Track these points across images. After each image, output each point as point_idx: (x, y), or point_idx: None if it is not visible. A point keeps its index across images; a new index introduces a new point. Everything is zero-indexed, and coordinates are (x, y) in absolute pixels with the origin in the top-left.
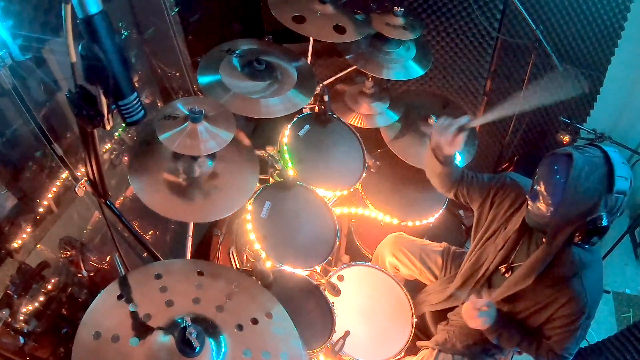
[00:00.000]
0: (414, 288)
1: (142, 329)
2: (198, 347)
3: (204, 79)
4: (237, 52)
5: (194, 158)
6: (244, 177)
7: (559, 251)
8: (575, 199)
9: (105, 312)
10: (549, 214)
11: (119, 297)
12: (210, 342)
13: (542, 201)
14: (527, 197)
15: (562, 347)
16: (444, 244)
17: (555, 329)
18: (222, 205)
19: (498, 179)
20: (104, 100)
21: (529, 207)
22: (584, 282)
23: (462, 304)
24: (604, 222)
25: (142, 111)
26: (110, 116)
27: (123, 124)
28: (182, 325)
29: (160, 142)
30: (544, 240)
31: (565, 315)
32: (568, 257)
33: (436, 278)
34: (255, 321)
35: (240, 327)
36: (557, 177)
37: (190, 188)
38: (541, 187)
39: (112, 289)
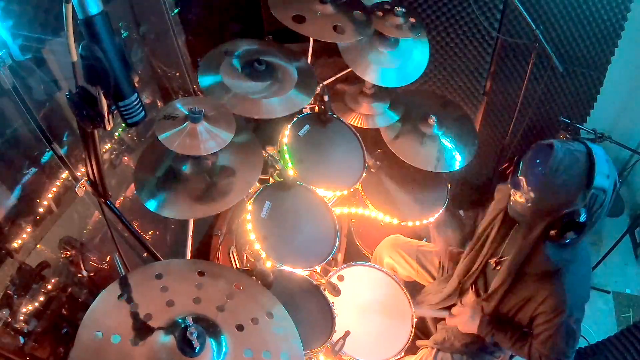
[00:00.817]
0: (413, 288)
1: (142, 328)
2: (199, 347)
3: (204, 80)
4: (236, 53)
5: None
6: (248, 163)
7: (538, 245)
8: (552, 190)
9: (105, 312)
10: (528, 205)
11: (120, 297)
12: (210, 342)
13: (522, 190)
14: (509, 186)
15: (549, 347)
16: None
17: (539, 326)
18: (236, 190)
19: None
20: (104, 101)
21: (511, 197)
22: (563, 280)
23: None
24: (582, 218)
25: (143, 112)
26: (110, 117)
27: (123, 124)
28: (183, 325)
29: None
30: None
31: (545, 312)
32: (548, 253)
33: (434, 278)
34: (256, 321)
35: (240, 327)
36: (537, 166)
37: (207, 185)
38: (522, 176)
39: (113, 289)
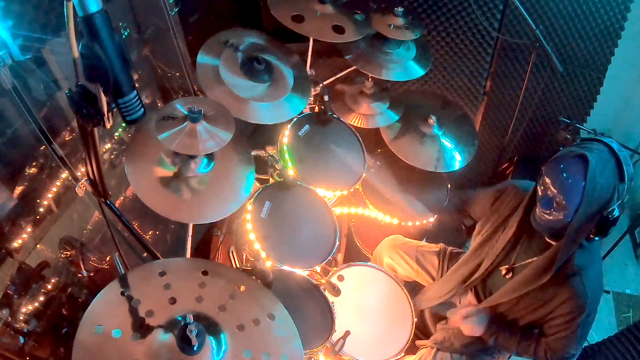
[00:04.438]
0: (412, 288)
1: (143, 325)
2: (198, 346)
3: (203, 59)
4: (241, 47)
5: (191, 157)
6: (239, 179)
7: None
8: (594, 198)
9: (107, 308)
10: (568, 219)
11: (122, 294)
12: (210, 341)
13: (557, 207)
14: (537, 204)
15: (561, 346)
16: (441, 244)
17: (555, 327)
18: (215, 207)
19: (502, 186)
20: (103, 99)
21: (540, 215)
22: (584, 280)
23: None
24: (616, 212)
25: (142, 109)
26: (110, 115)
27: (123, 124)
28: (183, 323)
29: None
30: (547, 240)
31: (565, 313)
32: (574, 256)
33: (433, 279)
34: (257, 322)
35: (241, 327)
36: (573, 180)
37: (184, 185)
38: (555, 193)
39: (116, 285)
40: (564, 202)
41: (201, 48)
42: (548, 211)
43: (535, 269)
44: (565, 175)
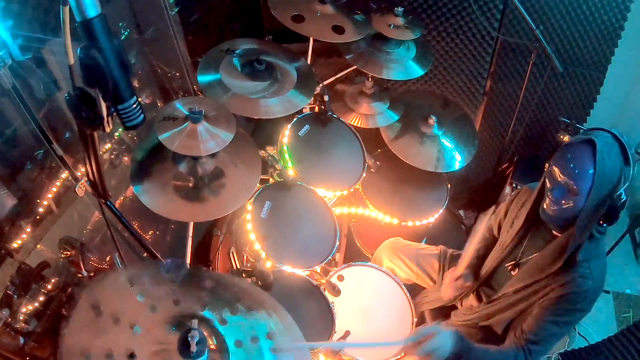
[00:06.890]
0: (412, 291)
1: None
2: (196, 351)
3: (204, 78)
4: (237, 52)
5: (195, 158)
6: (247, 171)
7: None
8: (603, 180)
9: (112, 291)
10: (580, 205)
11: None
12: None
13: (570, 194)
14: (546, 197)
15: (537, 325)
16: (441, 247)
17: (539, 307)
18: (229, 200)
19: (515, 192)
20: (103, 103)
21: (550, 206)
22: (586, 272)
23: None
24: (623, 196)
25: (142, 115)
26: (109, 119)
27: None
28: (186, 328)
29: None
30: (554, 233)
31: (556, 296)
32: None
33: (434, 282)
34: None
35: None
36: (583, 163)
37: (197, 188)
38: (567, 180)
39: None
40: (575, 188)
41: (198, 68)
42: (561, 200)
43: (545, 257)
44: (575, 160)
